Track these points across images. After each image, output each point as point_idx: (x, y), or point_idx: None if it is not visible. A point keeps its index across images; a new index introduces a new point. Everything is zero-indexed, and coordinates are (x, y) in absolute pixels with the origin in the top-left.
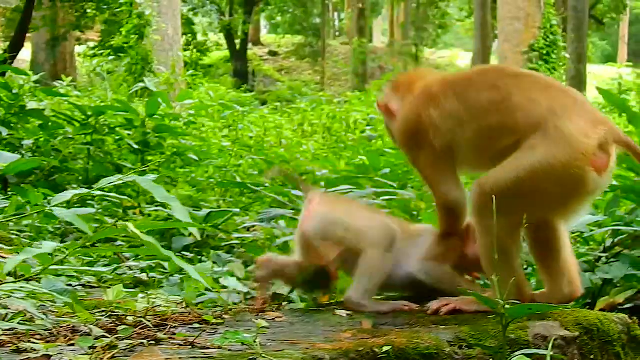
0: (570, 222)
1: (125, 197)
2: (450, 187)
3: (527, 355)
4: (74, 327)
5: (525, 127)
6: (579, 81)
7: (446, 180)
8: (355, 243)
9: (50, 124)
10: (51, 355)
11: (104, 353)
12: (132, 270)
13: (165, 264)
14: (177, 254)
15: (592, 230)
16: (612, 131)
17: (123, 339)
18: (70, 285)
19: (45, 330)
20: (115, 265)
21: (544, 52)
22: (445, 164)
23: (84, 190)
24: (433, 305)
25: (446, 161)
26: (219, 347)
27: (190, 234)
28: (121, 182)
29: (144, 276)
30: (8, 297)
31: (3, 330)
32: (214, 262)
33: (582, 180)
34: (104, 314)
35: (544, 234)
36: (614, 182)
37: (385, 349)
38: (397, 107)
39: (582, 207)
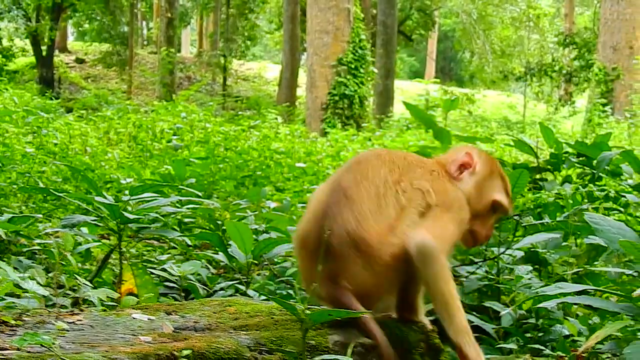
0: None
1: None
2: None
3: None
4: None
5: None
6: (386, 96)
7: None
8: None
9: None
10: None
11: None
12: None
13: None
14: None
15: None
16: None
17: None
18: None
19: None
20: None
21: (352, 66)
22: None
23: None
24: None
25: None
26: (18, 349)
27: None
28: None
29: None
30: None
31: None
32: (15, 268)
33: None
34: None
35: None
36: None
37: (185, 352)
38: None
39: None
